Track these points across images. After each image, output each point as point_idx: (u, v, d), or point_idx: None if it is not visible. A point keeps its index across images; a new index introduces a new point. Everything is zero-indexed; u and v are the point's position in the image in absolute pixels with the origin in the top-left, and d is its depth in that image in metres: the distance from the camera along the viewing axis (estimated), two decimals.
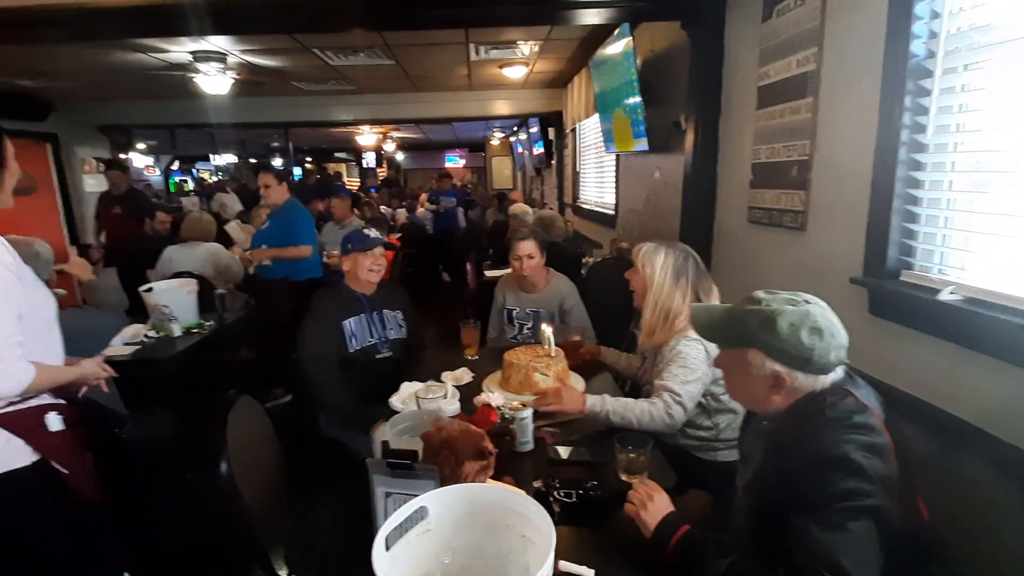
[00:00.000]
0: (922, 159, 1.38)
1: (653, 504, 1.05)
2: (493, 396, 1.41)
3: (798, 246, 1.87)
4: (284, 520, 1.52)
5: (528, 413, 1.37)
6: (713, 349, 1.64)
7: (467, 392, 1.73)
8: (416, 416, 1.26)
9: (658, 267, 1.68)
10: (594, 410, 1.53)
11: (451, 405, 1.32)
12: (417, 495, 0.85)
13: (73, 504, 1.34)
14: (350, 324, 2.09)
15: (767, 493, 0.98)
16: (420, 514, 0.82)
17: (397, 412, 1.58)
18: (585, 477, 1.20)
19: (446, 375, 1.82)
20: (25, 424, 1.28)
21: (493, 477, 1.14)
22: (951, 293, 1.26)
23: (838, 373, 0.99)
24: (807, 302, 1.00)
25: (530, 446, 1.40)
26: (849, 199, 1.60)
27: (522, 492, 0.83)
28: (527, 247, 2.40)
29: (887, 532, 0.86)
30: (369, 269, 2.12)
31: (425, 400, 1.37)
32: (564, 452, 1.36)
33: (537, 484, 1.19)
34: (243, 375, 3.45)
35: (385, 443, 1.15)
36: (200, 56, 4.20)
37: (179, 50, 4.11)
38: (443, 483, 0.92)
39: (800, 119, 1.80)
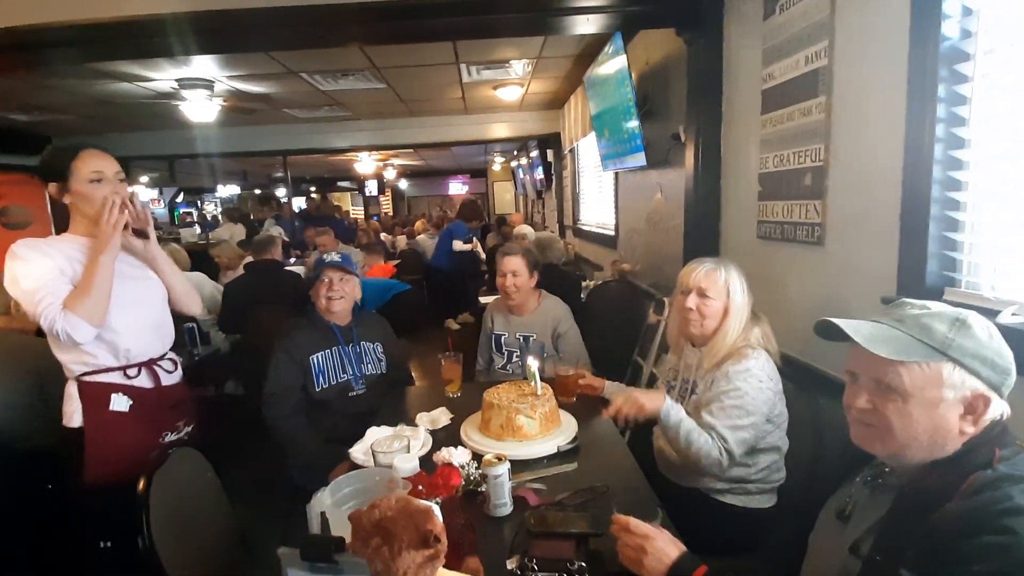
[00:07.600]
0: (964, 156, 1.17)
1: (654, 547, 0.88)
2: (455, 453, 1.17)
3: (816, 262, 1.65)
4: None
5: (504, 469, 1.12)
6: (775, 386, 1.41)
7: (443, 438, 1.50)
8: (366, 477, 1.03)
9: (736, 285, 1.50)
10: (668, 419, 1.32)
11: (408, 463, 1.07)
12: None
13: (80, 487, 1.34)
14: (317, 360, 1.88)
15: (890, 554, 0.74)
16: None
17: (358, 465, 1.36)
18: (572, 554, 0.96)
19: (421, 417, 1.59)
20: (91, 394, 1.36)
21: (453, 560, 0.91)
22: (1013, 315, 1.04)
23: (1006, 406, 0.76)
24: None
25: (507, 509, 1.14)
26: (876, 207, 1.39)
27: None
28: (512, 263, 2.19)
29: None
30: (327, 296, 1.92)
31: (381, 454, 1.14)
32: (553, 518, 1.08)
33: (511, 565, 0.95)
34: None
35: (323, 516, 0.93)
36: (186, 83, 4.12)
37: (164, 78, 4.03)
38: None
39: (811, 121, 1.61)
